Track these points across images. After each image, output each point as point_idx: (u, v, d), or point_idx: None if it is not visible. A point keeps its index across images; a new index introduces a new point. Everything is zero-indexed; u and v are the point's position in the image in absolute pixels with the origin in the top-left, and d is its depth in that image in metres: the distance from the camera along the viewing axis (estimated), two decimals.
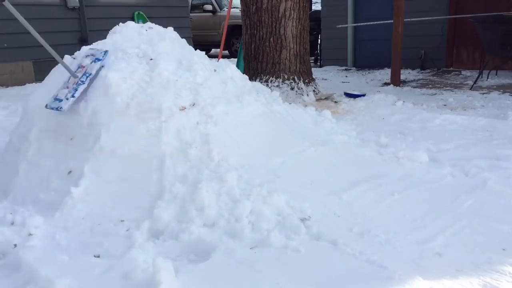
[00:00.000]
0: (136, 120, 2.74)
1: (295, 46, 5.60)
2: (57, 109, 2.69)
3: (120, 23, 3.35)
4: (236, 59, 7.71)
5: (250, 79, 5.65)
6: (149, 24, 3.42)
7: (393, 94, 5.52)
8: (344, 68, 9.36)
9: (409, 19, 6.78)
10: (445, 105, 5.21)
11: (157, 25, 3.43)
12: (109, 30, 3.36)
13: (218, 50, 8.25)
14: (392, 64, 6.71)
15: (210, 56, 13.46)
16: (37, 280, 1.90)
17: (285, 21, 5.50)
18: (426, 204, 2.52)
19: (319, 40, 10.44)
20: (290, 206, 2.38)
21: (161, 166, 2.57)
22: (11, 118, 4.45)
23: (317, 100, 5.37)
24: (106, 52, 2.91)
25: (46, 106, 2.75)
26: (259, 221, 2.24)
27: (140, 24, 3.39)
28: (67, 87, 2.76)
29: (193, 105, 2.89)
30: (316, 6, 13.59)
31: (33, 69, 7.51)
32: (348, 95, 5.72)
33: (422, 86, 6.71)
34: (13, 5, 2.52)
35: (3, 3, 2.52)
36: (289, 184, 2.60)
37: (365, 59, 9.20)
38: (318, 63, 10.13)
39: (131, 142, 2.66)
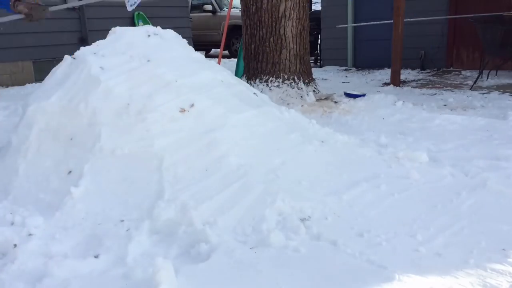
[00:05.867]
0: (135, 121, 2.74)
1: (295, 46, 5.60)
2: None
3: (118, 27, 3.35)
4: (236, 59, 7.71)
5: (250, 79, 5.68)
6: (149, 25, 3.43)
7: (393, 94, 5.50)
8: (344, 68, 9.36)
9: (409, 19, 6.78)
10: (445, 105, 5.21)
11: (157, 26, 3.44)
12: (109, 30, 3.36)
13: (218, 50, 8.25)
14: (392, 64, 6.70)
15: (210, 56, 13.41)
16: None
17: (285, 21, 5.50)
18: (426, 204, 2.52)
19: (319, 40, 10.44)
20: (290, 206, 2.38)
21: (161, 166, 2.57)
22: (11, 118, 4.44)
23: (317, 100, 5.36)
24: None
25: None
26: (259, 221, 2.24)
27: (140, 26, 3.40)
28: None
29: (193, 105, 2.89)
30: (316, 6, 13.60)
31: (33, 69, 7.51)
32: (348, 95, 5.71)
33: (422, 86, 6.70)
34: None
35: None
36: (289, 184, 2.59)
37: (365, 59, 9.19)
38: (318, 63, 10.12)
39: (131, 142, 2.66)
